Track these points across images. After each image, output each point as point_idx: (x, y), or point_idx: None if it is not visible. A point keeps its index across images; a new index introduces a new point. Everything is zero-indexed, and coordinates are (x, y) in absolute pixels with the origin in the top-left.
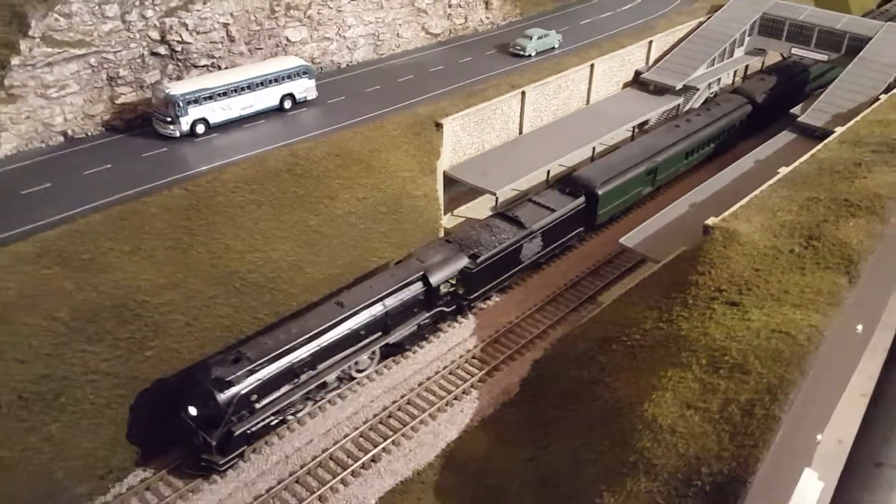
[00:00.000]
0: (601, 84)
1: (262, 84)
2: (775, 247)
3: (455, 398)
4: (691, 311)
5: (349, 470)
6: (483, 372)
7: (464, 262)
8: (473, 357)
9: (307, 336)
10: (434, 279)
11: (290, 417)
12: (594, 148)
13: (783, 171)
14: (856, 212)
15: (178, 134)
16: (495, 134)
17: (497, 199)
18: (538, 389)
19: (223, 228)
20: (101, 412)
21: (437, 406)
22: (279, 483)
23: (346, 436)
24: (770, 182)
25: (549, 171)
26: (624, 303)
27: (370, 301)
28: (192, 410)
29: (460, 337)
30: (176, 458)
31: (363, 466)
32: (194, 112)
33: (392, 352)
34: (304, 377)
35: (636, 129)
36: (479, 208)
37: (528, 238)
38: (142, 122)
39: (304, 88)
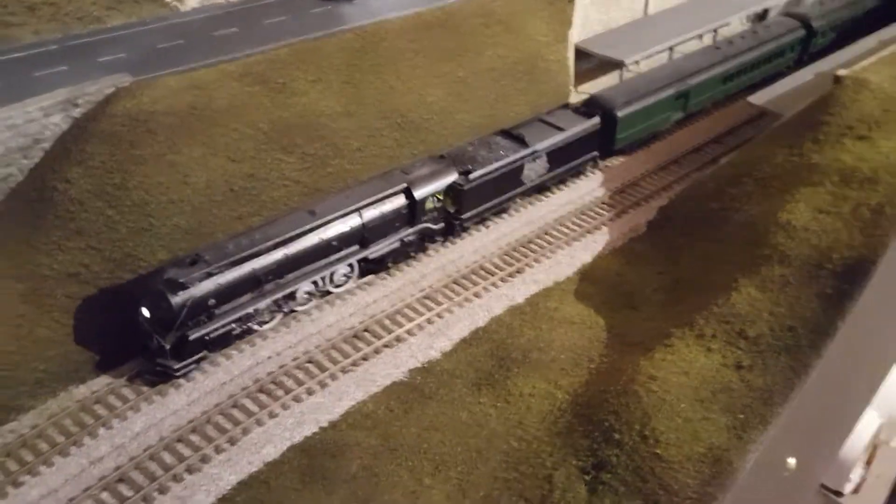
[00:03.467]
0: None
1: None
2: None
3: (587, 231)
4: (822, 145)
5: (498, 276)
6: (612, 213)
7: (453, 177)
8: (602, 203)
9: (272, 243)
10: (418, 193)
11: (256, 327)
12: (715, 30)
13: None
14: None
15: None
16: (621, 13)
17: (622, 71)
18: (665, 225)
19: (387, 71)
20: None
21: (571, 236)
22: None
23: (492, 253)
24: None
25: (671, 49)
26: (752, 146)
27: (345, 211)
28: (145, 312)
29: (588, 188)
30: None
31: (510, 275)
32: None
33: (373, 267)
34: (269, 286)
35: (755, 18)
36: (603, 86)
37: (531, 157)
38: None
39: None
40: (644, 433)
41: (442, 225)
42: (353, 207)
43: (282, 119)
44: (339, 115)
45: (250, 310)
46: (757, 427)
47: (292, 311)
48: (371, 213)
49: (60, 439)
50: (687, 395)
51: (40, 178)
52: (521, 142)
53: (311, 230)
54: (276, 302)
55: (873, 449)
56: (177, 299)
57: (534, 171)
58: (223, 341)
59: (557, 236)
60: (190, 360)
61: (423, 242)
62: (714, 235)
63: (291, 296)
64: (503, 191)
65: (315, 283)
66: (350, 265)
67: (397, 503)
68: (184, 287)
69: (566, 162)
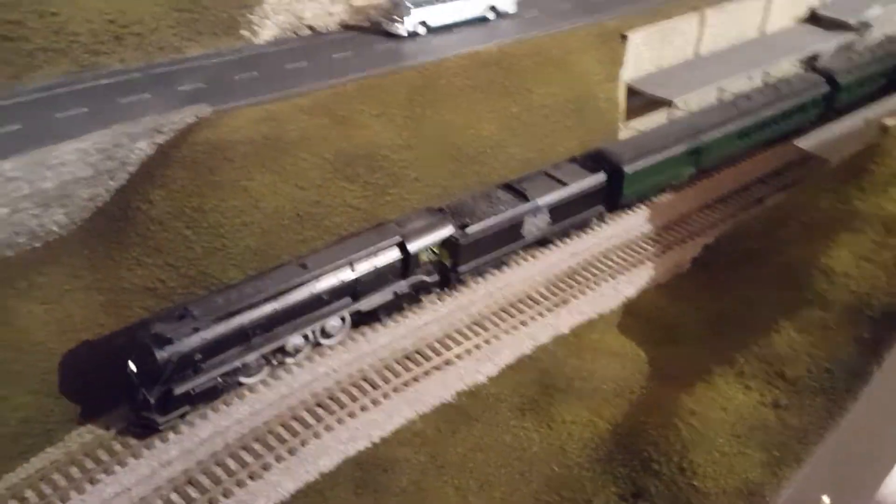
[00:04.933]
0: (776, 17)
1: None
2: None
3: (632, 265)
4: (866, 193)
5: (544, 306)
6: (657, 248)
7: (448, 230)
8: (648, 238)
9: (262, 297)
10: (412, 246)
11: (243, 380)
12: (766, 73)
13: None
14: None
15: (404, 32)
16: (673, 52)
17: (670, 108)
18: (711, 263)
19: (445, 106)
20: None
21: (616, 270)
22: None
23: (538, 283)
24: None
25: (721, 89)
26: (798, 190)
27: (337, 264)
28: (132, 366)
29: (634, 223)
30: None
31: (555, 305)
32: (417, 14)
33: (365, 319)
34: (257, 339)
35: (808, 61)
36: (651, 123)
37: (532, 212)
38: (370, 23)
39: (507, 2)
40: (682, 465)
41: (437, 277)
42: (345, 260)
43: (346, 150)
44: (399, 147)
45: (238, 363)
46: (791, 465)
47: (281, 363)
48: (364, 267)
49: (134, 442)
50: (724, 431)
51: (125, 198)
52: (523, 196)
53: (301, 284)
54: (264, 355)
55: None
56: (163, 354)
57: (535, 226)
58: (209, 395)
59: (602, 268)
60: (174, 414)
61: (417, 295)
62: (756, 276)
63: (280, 349)
64: (502, 245)
65: (305, 335)
66: (342, 317)
67: None
68: (170, 342)
69: (569, 216)
